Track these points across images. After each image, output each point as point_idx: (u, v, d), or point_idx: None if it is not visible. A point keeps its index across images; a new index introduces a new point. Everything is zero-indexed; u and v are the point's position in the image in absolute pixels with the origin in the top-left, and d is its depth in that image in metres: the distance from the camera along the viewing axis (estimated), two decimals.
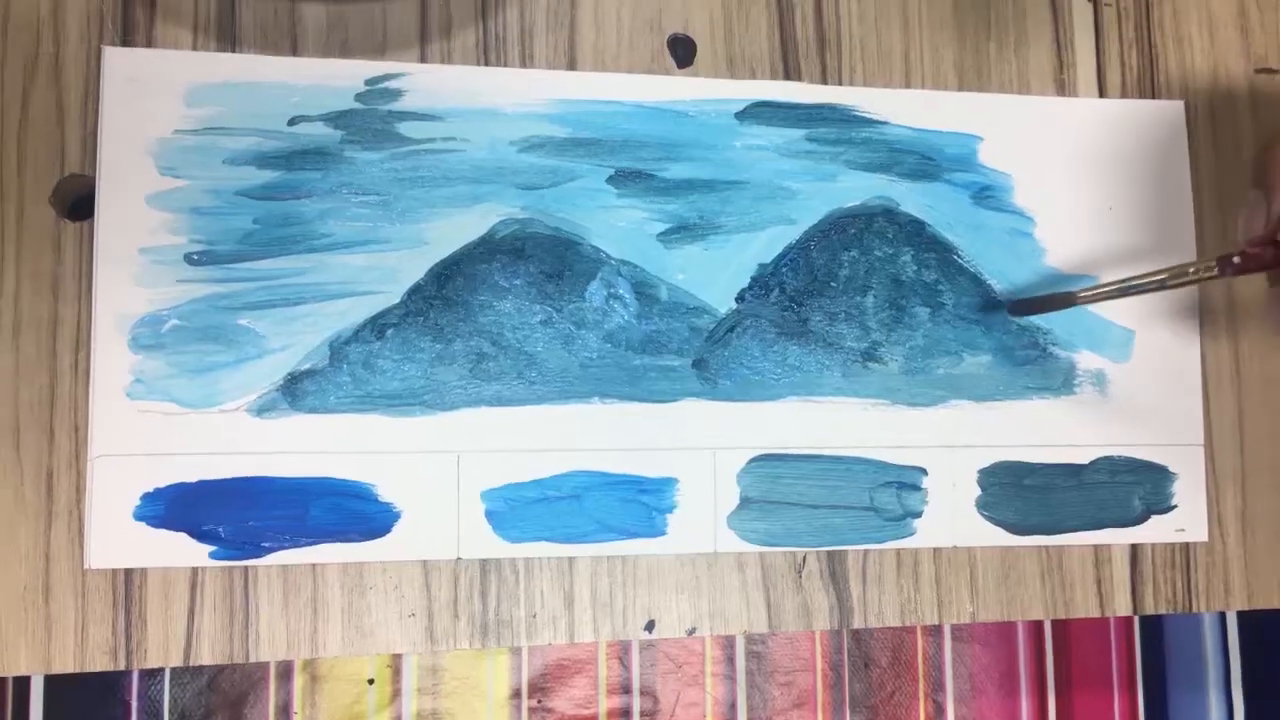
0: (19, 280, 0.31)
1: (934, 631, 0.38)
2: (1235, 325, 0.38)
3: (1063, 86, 0.38)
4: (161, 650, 0.31)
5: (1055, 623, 0.38)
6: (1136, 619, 0.39)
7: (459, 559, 0.33)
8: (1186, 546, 0.37)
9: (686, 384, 0.35)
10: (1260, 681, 0.40)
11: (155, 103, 0.32)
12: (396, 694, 0.35)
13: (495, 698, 0.35)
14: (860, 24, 0.37)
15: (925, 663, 0.38)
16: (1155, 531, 0.37)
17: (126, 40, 0.32)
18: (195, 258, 0.32)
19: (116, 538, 0.31)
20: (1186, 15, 0.39)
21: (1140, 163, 0.38)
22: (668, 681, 0.36)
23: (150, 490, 0.31)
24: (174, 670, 0.33)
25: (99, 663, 0.31)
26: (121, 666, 0.31)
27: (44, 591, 0.31)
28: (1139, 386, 0.37)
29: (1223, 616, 0.40)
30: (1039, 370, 0.37)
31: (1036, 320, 0.37)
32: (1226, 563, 0.37)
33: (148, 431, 0.31)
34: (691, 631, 0.34)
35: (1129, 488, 0.37)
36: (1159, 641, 0.39)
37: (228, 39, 0.33)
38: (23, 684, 0.33)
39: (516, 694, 0.35)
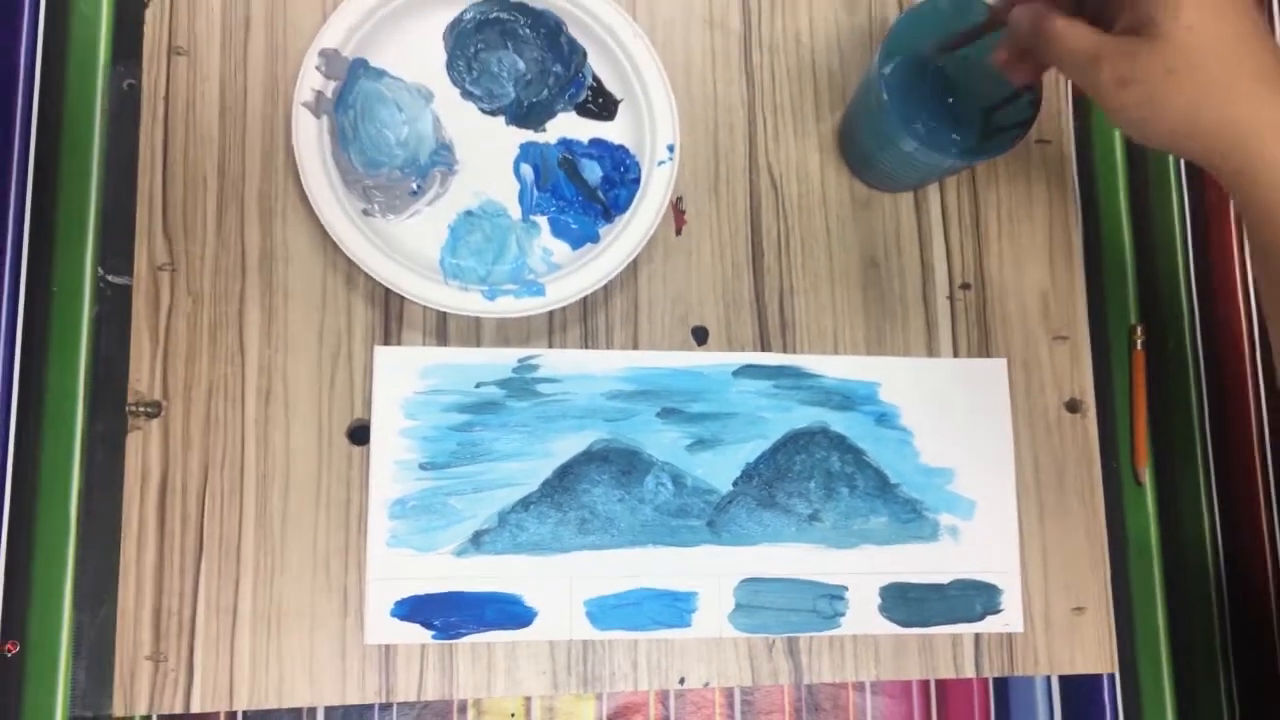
0: (331, 480, 0.56)
1: (859, 687, 0.60)
2: (1041, 501, 0.62)
3: (931, 350, 0.62)
4: (405, 691, 0.55)
5: (937, 682, 0.61)
6: (990, 680, 0.62)
7: (570, 639, 0.56)
8: (1010, 635, 0.60)
9: (703, 535, 0.58)
10: None
11: (403, 377, 0.57)
12: None
13: None
14: (807, 315, 0.62)
15: (854, 708, 0.60)
16: (990, 625, 0.60)
17: (386, 341, 0.58)
18: (424, 466, 0.57)
19: (382, 626, 0.55)
20: (1006, 304, 0.63)
21: (978, 397, 0.62)
22: (692, 718, 0.59)
23: (400, 599, 0.55)
24: (399, 705, 0.56)
25: (371, 699, 0.54)
26: (385, 700, 0.55)
27: (343, 657, 0.55)
28: (979, 535, 0.61)
29: (1048, 678, 0.63)
30: (916, 526, 0.60)
31: (914, 495, 0.60)
32: (1035, 645, 0.60)
33: (398, 565, 0.55)
34: (706, 684, 0.57)
35: (973, 598, 0.60)
36: (1005, 695, 0.61)
37: (442, 338, 0.58)
38: (312, 713, 0.57)
39: None
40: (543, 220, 0.59)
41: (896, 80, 0.56)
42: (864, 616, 0.59)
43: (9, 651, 0.54)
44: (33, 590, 0.54)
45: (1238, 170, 0.43)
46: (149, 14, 0.58)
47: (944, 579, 0.60)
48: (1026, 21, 0.47)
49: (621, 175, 0.60)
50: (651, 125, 0.59)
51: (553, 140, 0.60)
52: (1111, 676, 0.62)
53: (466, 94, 0.60)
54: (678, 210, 0.61)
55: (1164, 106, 0.43)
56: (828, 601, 0.59)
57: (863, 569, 0.59)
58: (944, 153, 0.55)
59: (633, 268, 0.60)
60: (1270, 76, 0.42)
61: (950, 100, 0.56)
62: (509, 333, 0.59)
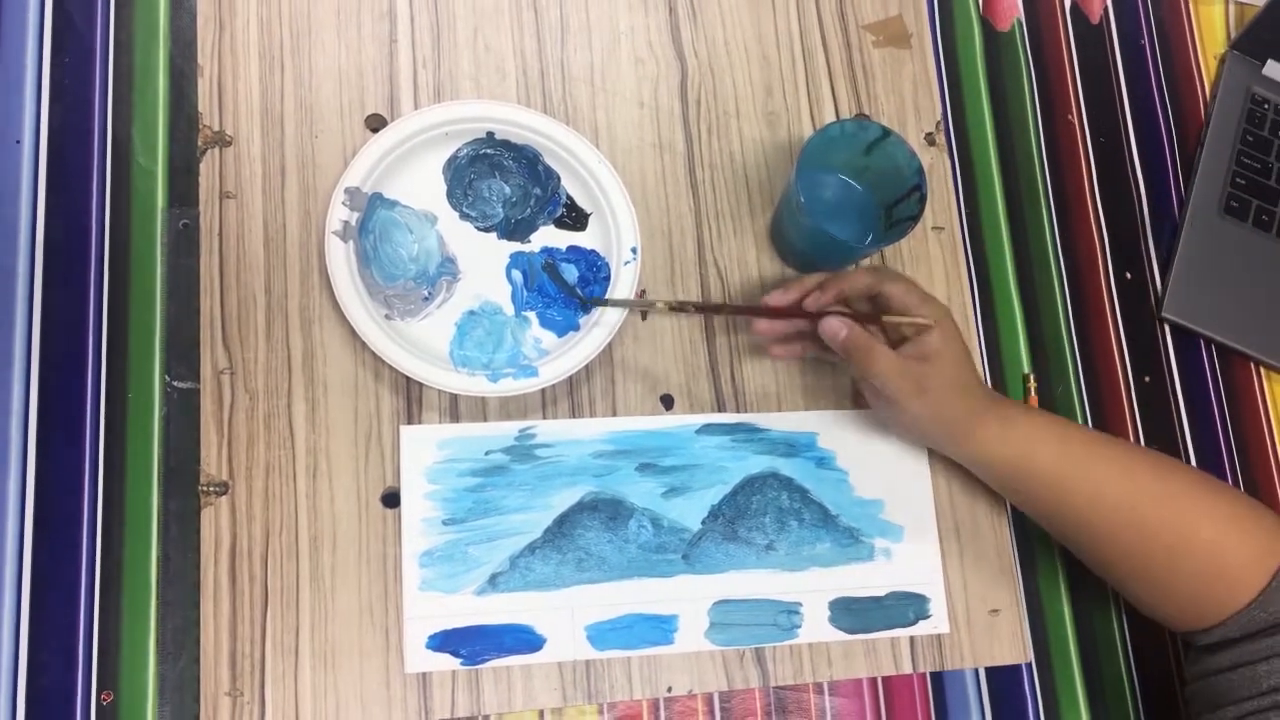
0: (370, 539, 0.67)
1: (819, 689, 0.71)
2: (957, 523, 0.74)
3: (857, 404, 0.75)
4: (440, 710, 0.66)
5: (884, 680, 0.72)
6: (927, 675, 0.73)
7: (575, 659, 0.68)
8: (939, 636, 0.72)
9: (679, 567, 0.70)
10: (999, 707, 0.74)
11: (423, 448, 0.69)
12: None
13: None
14: (753, 381, 0.75)
15: (814, 707, 0.71)
16: (921, 628, 0.72)
17: (409, 421, 0.70)
18: (446, 522, 0.68)
19: (418, 657, 0.66)
20: None
21: (899, 440, 0.75)
22: None
23: (432, 633, 0.66)
24: None
25: (414, 718, 0.65)
26: None
27: (387, 685, 0.66)
28: (908, 556, 0.73)
29: (975, 670, 0.75)
30: (855, 550, 0.73)
31: (851, 524, 0.73)
32: (959, 643, 0.72)
33: (430, 606, 0.67)
34: (689, 691, 0.69)
35: (905, 607, 0.72)
36: (942, 687, 0.73)
37: (455, 417, 0.70)
38: None
39: None
40: (532, 315, 0.72)
41: (810, 187, 0.70)
42: (817, 627, 0.71)
43: (105, 700, 0.64)
44: (122, 647, 0.65)
45: (966, 444, 0.68)
46: (203, 166, 0.71)
47: (881, 592, 0.72)
48: (843, 334, 0.65)
49: (595, 274, 0.73)
50: (617, 232, 0.73)
51: (536, 249, 0.74)
52: (1029, 665, 0.74)
53: (464, 216, 0.73)
54: None
55: (944, 408, 0.66)
56: (786, 616, 0.71)
57: (813, 587, 0.71)
58: (851, 242, 0.69)
59: (609, 350, 0.73)
60: (976, 384, 0.68)
61: (853, 199, 0.70)
62: (510, 408, 0.71)
